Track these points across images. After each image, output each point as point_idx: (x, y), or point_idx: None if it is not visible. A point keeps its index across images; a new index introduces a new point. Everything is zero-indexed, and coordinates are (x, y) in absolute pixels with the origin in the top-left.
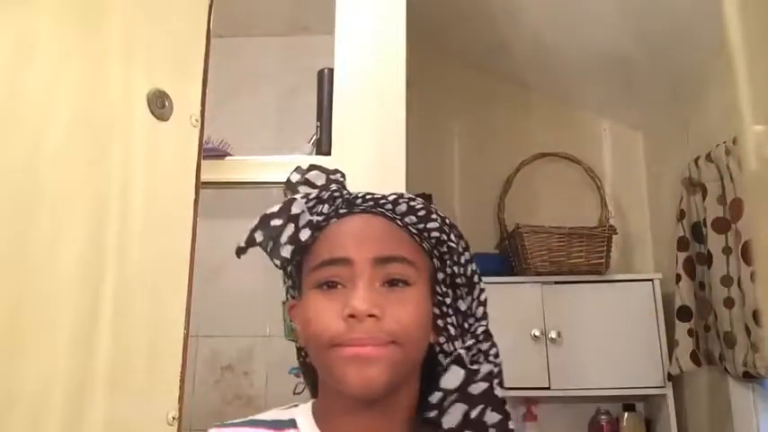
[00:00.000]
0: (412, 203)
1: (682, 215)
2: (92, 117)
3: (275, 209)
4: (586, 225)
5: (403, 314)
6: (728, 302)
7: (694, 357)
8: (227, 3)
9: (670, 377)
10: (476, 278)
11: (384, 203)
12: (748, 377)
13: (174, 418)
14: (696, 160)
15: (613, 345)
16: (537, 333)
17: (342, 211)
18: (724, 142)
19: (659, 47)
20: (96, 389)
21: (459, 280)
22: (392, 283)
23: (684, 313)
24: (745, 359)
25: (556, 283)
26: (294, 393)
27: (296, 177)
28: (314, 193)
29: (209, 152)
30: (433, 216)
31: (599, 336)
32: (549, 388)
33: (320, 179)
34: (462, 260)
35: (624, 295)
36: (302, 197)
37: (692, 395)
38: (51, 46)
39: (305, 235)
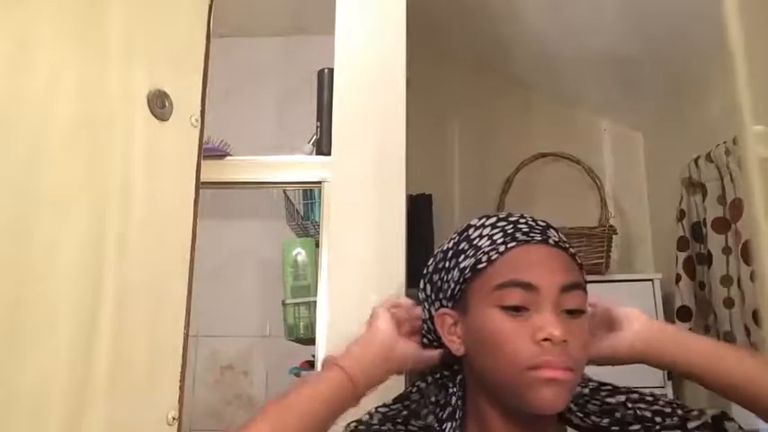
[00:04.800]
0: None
1: (682, 215)
2: (92, 117)
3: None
4: (586, 225)
5: (583, 343)
6: (728, 302)
7: None
8: (227, 3)
9: (670, 377)
10: None
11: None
12: None
13: (173, 418)
14: (696, 160)
15: None
16: None
17: (521, 237)
18: (724, 142)
19: (659, 47)
20: (96, 389)
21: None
22: (570, 312)
23: (684, 313)
24: None
25: None
26: None
27: None
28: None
29: (209, 152)
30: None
31: None
32: None
33: None
34: None
35: (624, 295)
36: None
37: (692, 395)
38: (51, 46)
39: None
